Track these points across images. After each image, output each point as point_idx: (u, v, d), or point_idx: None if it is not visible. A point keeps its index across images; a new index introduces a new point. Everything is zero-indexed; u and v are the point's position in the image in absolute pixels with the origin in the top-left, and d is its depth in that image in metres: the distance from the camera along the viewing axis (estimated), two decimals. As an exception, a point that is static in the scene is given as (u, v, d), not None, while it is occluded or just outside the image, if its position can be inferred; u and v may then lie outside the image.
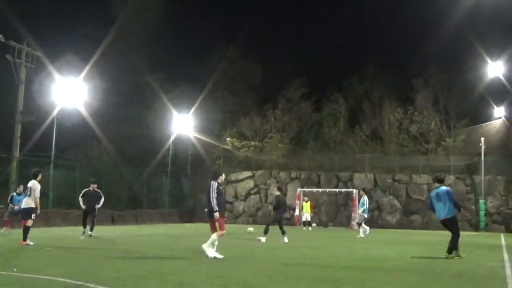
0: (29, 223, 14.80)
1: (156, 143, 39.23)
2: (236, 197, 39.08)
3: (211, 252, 12.10)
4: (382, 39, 59.08)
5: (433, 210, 13.80)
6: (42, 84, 30.56)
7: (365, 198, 23.91)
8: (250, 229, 23.64)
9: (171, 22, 49.58)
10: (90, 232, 19.26)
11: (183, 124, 39.19)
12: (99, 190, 20.10)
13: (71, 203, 28.05)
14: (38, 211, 15.03)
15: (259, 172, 39.17)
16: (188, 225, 33.53)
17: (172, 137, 39.02)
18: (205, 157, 41.13)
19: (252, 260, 12.32)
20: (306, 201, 31.66)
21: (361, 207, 23.80)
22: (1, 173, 26.39)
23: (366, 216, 23.86)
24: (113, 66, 38.86)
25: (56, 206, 28.08)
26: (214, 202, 12.07)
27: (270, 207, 25.74)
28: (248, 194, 38.82)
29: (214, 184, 12.33)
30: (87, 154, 36.73)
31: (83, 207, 19.71)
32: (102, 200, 19.95)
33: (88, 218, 19.73)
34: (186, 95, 41.03)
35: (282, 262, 12.04)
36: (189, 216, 37.53)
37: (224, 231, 12.47)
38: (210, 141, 41.28)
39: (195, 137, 40.75)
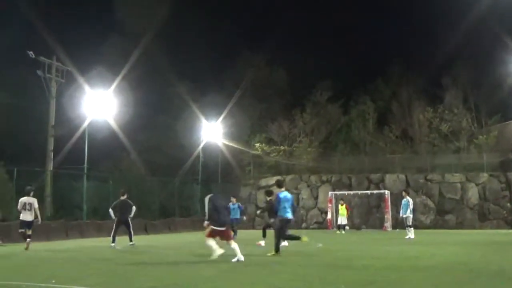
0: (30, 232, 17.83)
1: (186, 152, 39.47)
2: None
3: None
4: (406, 38, 58.57)
5: (277, 211, 15.02)
6: (73, 97, 31.04)
7: (408, 199, 24.11)
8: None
9: (197, 31, 49.88)
10: (131, 242, 19.41)
11: (212, 132, 39.38)
12: (129, 200, 20.00)
13: (104, 214, 28.34)
14: (40, 221, 18.26)
15: (289, 177, 39.09)
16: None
17: (201, 145, 39.24)
18: (234, 164, 41.26)
19: (286, 265, 12.29)
20: (342, 204, 31.49)
21: (406, 209, 23.90)
22: (35, 187, 26.83)
23: (411, 216, 24.23)
24: (141, 77, 39.31)
25: (90, 218, 28.44)
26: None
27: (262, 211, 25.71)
28: (279, 199, 38.67)
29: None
30: (118, 165, 37.10)
31: (113, 217, 19.81)
32: (133, 210, 19.82)
33: (122, 229, 19.82)
34: (214, 103, 41.24)
35: (316, 266, 11.99)
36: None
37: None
38: (240, 147, 41.39)
39: (224, 144, 40.91)
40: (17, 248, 18.58)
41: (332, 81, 45.98)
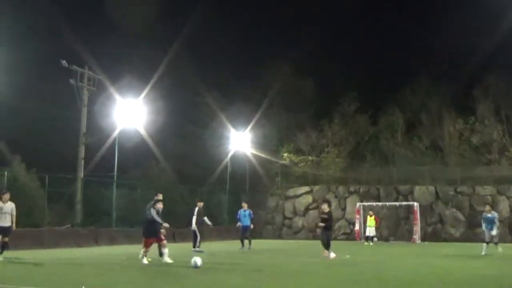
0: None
1: (214, 161, 39.64)
2: (295, 212, 38.93)
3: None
4: (436, 48, 57.75)
5: None
6: (104, 105, 31.48)
7: (494, 214, 21.20)
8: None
9: (225, 40, 50.22)
10: (198, 248, 20.85)
11: (240, 141, 39.51)
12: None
13: (134, 222, 28.62)
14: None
15: (317, 187, 38.94)
16: (246, 241, 33.56)
17: (230, 154, 39.36)
18: (262, 173, 41.27)
19: (312, 276, 12.27)
20: (371, 215, 31.23)
21: (494, 225, 20.74)
22: (66, 193, 27.29)
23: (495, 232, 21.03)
24: (170, 86, 39.71)
25: (120, 225, 28.73)
26: None
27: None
28: (307, 209, 38.61)
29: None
30: (147, 173, 37.43)
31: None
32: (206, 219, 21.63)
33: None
34: (242, 112, 41.38)
35: (343, 278, 11.95)
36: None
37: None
38: (268, 157, 41.40)
39: (253, 154, 40.98)
40: (48, 254, 18.87)
41: (361, 91, 45.64)
